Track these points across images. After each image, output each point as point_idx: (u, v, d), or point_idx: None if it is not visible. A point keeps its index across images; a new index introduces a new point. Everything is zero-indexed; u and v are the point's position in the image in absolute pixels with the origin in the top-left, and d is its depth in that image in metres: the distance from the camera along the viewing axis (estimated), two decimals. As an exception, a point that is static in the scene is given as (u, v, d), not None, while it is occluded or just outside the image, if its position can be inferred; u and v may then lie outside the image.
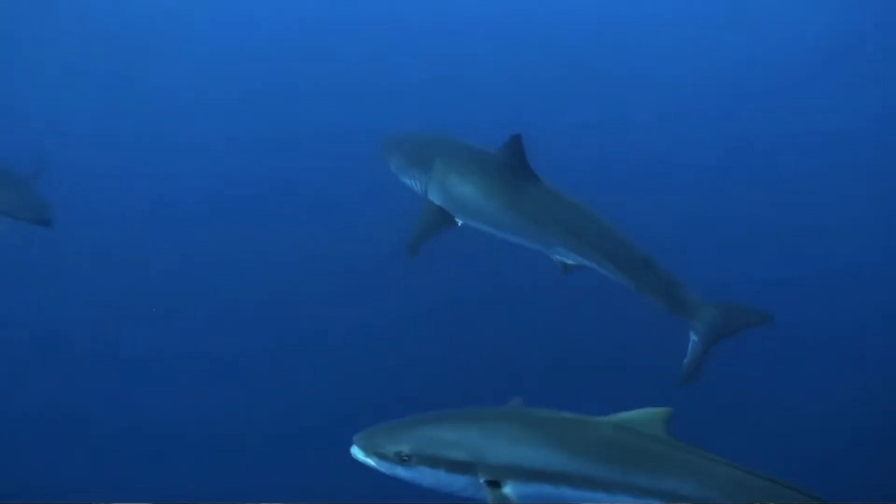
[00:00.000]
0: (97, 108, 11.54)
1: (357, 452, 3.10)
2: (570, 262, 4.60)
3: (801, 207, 10.17)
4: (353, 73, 13.24)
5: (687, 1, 16.99)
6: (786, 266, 8.74)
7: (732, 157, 11.69)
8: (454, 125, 6.75)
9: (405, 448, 2.96)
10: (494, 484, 2.92)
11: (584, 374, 6.81)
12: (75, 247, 7.97)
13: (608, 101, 12.72)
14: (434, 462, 2.95)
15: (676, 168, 10.91)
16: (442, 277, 7.29)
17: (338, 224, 8.68)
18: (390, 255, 5.69)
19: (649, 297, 4.43)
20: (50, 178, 7.43)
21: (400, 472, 3.03)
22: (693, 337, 4.42)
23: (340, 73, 13.26)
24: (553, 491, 2.91)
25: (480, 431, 3.01)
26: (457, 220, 4.79)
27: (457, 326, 6.99)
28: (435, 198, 4.79)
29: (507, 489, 2.92)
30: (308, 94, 12.46)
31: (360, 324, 7.30)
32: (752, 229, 9.65)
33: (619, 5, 16.78)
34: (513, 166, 4.50)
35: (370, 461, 3.07)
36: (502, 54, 14.20)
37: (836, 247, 9.33)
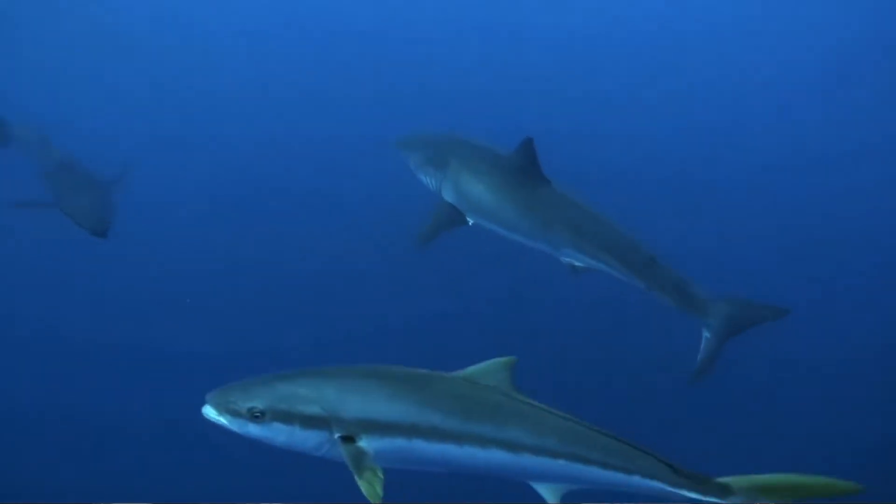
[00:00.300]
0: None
1: (209, 411, 3.01)
2: (578, 263, 4.70)
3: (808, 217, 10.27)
4: (375, 80, 13.36)
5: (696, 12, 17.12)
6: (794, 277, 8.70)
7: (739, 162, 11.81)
8: (469, 126, 6.83)
9: (259, 404, 2.90)
10: (349, 439, 2.92)
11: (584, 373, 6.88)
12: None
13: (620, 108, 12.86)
14: (288, 418, 2.91)
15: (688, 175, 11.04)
16: (449, 278, 7.34)
17: (349, 224, 8.70)
18: (400, 254, 5.92)
19: (659, 296, 4.52)
20: (128, 186, 7.45)
21: (253, 430, 2.96)
22: (706, 333, 4.49)
23: (363, 79, 13.38)
24: (406, 444, 2.94)
25: (335, 387, 2.99)
26: (468, 219, 4.97)
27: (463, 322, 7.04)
28: (448, 196, 4.99)
29: (362, 444, 2.92)
30: (327, 98, 12.61)
31: (369, 324, 7.32)
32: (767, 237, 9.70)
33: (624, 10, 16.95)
34: (524, 169, 4.64)
35: (222, 420, 2.98)
36: (506, 59, 14.27)
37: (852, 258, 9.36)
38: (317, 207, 9.30)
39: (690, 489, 2.74)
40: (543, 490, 3.02)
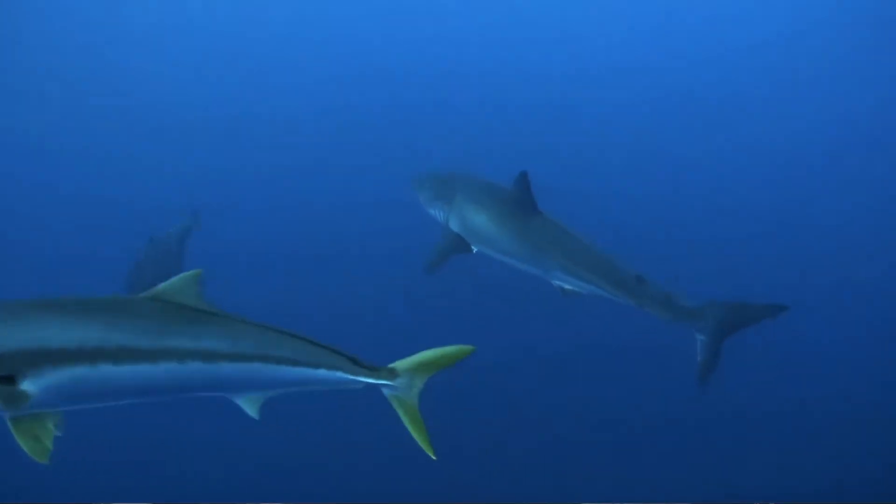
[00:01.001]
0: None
1: None
2: (567, 286, 5.05)
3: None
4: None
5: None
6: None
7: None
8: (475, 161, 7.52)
9: None
10: (7, 380, 2.49)
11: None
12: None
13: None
14: None
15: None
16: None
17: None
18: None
19: (651, 311, 4.76)
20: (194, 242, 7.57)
21: None
22: (700, 336, 4.69)
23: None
24: (90, 372, 2.59)
25: (4, 319, 2.59)
26: (472, 247, 5.51)
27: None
28: (454, 226, 5.56)
29: (25, 386, 2.52)
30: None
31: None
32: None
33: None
34: (520, 200, 5.14)
35: None
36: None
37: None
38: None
39: (366, 376, 2.99)
40: (244, 403, 3.02)
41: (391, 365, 3.03)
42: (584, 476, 6.25)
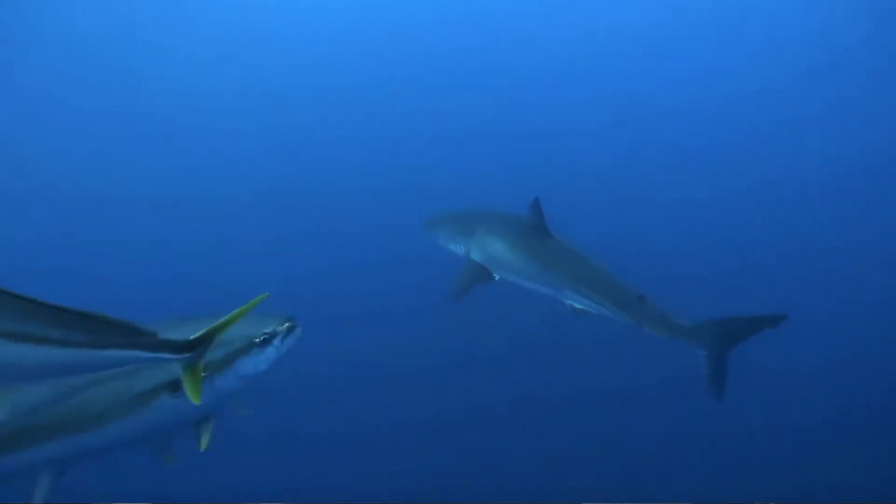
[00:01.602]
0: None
1: None
2: (578, 305, 5.30)
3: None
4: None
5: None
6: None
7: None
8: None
9: None
10: None
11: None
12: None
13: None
14: None
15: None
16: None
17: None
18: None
19: (648, 329, 4.98)
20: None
21: None
22: (701, 351, 4.87)
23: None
24: None
25: None
26: (494, 274, 5.88)
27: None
28: (476, 256, 5.99)
29: None
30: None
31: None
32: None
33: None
34: (533, 227, 5.55)
35: None
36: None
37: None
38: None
39: (160, 350, 2.83)
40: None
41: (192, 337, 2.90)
42: (583, 476, 6.28)
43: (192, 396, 2.95)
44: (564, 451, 6.72)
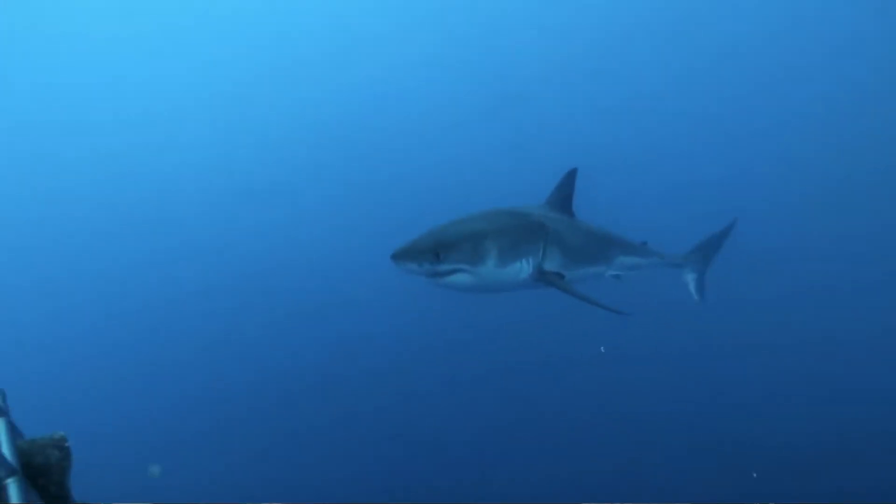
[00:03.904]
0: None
1: None
2: (617, 272, 5.56)
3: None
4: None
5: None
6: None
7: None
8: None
9: None
10: None
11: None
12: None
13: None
14: None
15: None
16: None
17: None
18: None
19: (655, 260, 6.00)
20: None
21: None
22: (690, 276, 6.39)
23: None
24: None
25: None
26: (564, 275, 4.83)
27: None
28: (551, 265, 4.74)
29: None
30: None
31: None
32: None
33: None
34: (561, 196, 5.31)
35: None
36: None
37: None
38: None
39: None
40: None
41: None
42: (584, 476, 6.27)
43: None
44: (564, 453, 6.72)
